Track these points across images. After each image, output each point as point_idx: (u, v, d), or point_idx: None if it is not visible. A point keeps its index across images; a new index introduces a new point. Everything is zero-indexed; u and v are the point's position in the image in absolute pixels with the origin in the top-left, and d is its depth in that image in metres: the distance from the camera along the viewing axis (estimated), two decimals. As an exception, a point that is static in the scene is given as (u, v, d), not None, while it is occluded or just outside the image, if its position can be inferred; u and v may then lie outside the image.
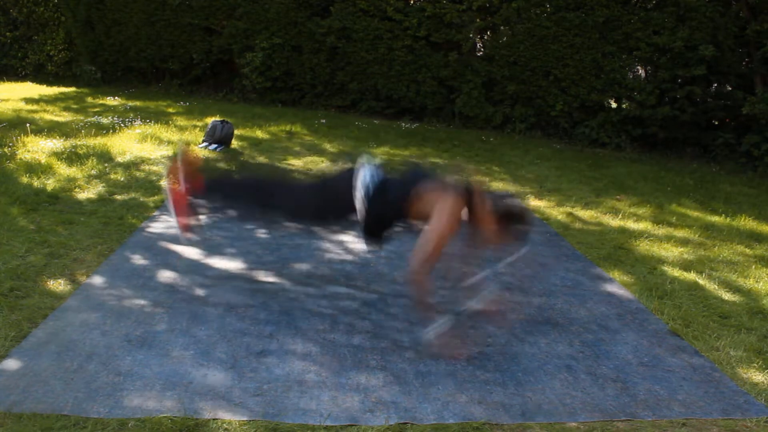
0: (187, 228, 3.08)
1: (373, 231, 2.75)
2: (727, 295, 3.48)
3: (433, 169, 2.73)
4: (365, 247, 2.77)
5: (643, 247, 4.23)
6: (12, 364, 2.29)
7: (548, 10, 8.90)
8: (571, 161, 7.24)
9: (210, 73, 10.64)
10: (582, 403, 2.33)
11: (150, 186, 4.75)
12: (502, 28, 9.42)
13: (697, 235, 4.60)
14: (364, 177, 2.77)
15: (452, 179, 2.75)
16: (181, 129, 7.01)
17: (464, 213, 2.63)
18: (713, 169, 7.59)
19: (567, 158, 7.43)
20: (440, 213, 2.58)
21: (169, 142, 6.28)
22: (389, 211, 2.72)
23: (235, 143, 6.56)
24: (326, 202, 2.84)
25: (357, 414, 2.16)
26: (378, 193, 2.72)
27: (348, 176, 2.81)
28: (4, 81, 10.42)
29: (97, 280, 3.04)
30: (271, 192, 2.96)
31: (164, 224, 3.95)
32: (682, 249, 4.25)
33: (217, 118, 6.65)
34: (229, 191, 3.06)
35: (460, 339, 2.66)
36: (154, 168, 5.30)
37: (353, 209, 2.77)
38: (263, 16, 9.76)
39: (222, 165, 5.65)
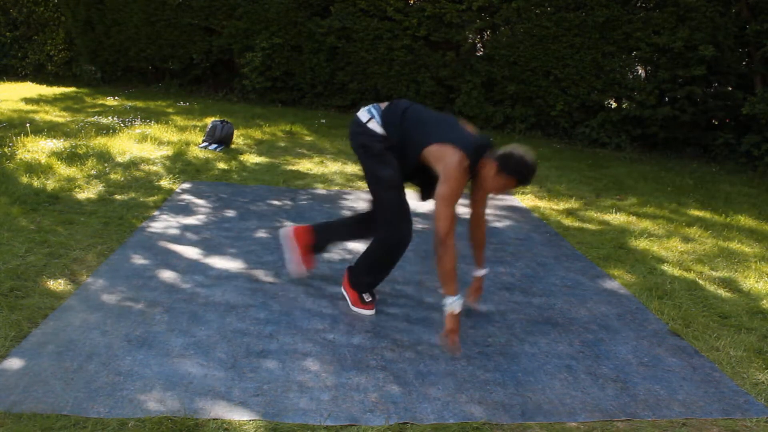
0: (300, 266, 3.15)
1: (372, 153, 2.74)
2: (727, 295, 3.48)
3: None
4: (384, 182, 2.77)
5: (643, 247, 4.23)
6: (12, 364, 2.29)
7: (548, 10, 8.89)
8: (571, 161, 7.24)
9: (210, 73, 10.64)
10: (582, 403, 2.33)
11: (150, 186, 4.75)
12: (502, 28, 9.41)
13: (697, 235, 4.60)
14: (368, 112, 2.80)
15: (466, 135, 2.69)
16: (181, 129, 7.01)
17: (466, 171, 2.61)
18: (713, 169, 7.58)
19: (567, 158, 7.43)
20: (446, 176, 2.57)
21: (169, 143, 6.29)
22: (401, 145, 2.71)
23: (235, 143, 6.56)
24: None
25: (357, 414, 2.16)
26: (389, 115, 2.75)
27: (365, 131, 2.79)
28: (4, 81, 10.42)
29: (97, 280, 3.04)
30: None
31: (164, 224, 3.95)
32: (682, 249, 4.25)
33: (217, 118, 6.66)
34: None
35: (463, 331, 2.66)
36: (154, 168, 5.30)
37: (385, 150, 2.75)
38: (263, 16, 9.75)
39: (222, 165, 5.65)
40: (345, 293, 3.05)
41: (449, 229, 2.56)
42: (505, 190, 2.66)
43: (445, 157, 2.58)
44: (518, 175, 2.59)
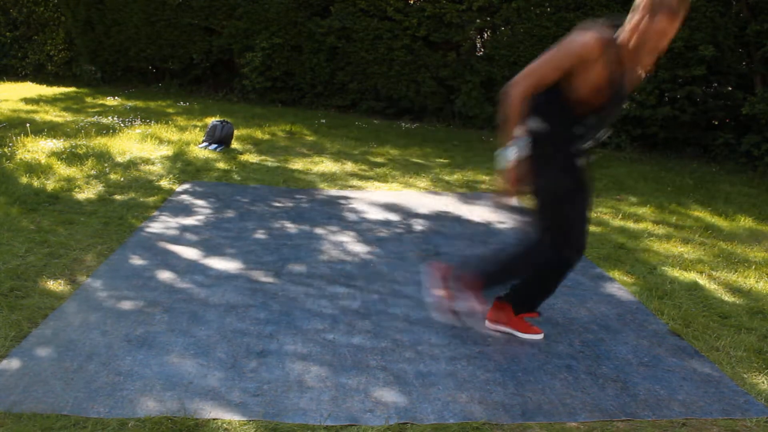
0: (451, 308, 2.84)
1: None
2: (727, 295, 3.48)
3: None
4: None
5: (643, 247, 4.23)
6: (12, 364, 2.29)
7: (548, 10, 8.90)
8: (571, 161, 7.24)
9: (210, 73, 10.65)
10: (582, 403, 2.32)
11: (150, 186, 4.75)
12: (502, 28, 9.41)
13: (697, 235, 4.60)
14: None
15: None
16: (181, 129, 7.01)
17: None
18: (713, 169, 7.58)
19: (567, 158, 7.43)
20: (562, 45, 2.36)
21: (169, 142, 6.29)
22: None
23: (235, 143, 6.56)
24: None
25: (357, 414, 2.16)
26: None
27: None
28: (4, 81, 10.43)
29: (97, 280, 3.04)
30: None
31: (164, 224, 3.95)
32: (682, 249, 4.25)
33: (217, 118, 6.66)
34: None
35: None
36: (154, 168, 5.30)
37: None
38: (263, 16, 9.76)
39: (222, 165, 5.65)
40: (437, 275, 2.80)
41: (522, 82, 2.38)
42: (667, 37, 2.31)
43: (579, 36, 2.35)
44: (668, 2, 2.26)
